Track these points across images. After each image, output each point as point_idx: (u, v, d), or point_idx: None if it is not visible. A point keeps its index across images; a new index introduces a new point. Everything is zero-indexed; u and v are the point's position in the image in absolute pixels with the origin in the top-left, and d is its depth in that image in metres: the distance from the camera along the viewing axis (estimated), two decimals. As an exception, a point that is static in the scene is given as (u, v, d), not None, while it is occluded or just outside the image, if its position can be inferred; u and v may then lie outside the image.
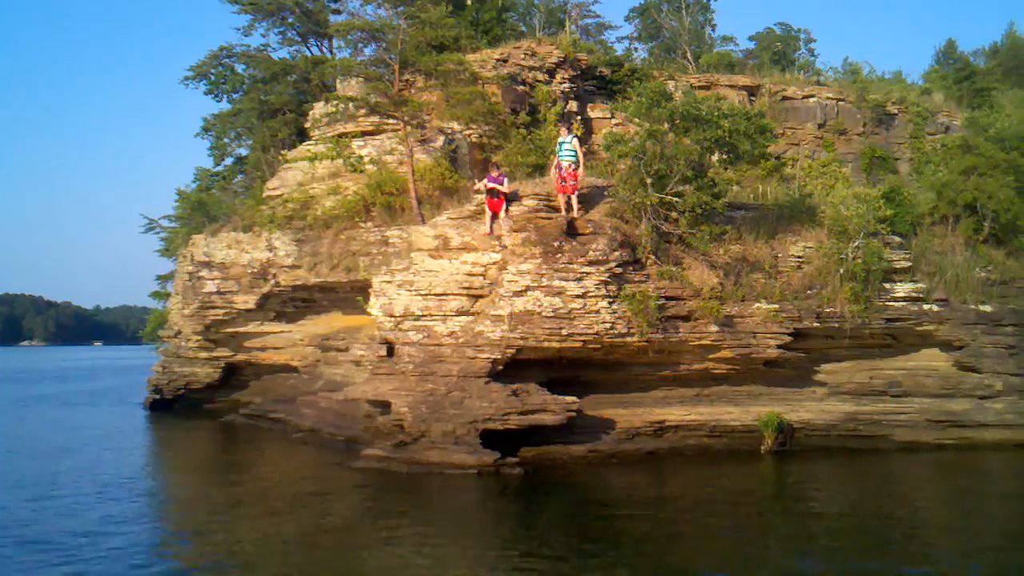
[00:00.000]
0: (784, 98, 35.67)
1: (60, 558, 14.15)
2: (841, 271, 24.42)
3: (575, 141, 23.94)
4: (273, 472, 23.31)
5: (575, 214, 23.68)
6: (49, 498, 19.12)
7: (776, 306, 23.95)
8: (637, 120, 24.56)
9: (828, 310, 24.31)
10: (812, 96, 36.02)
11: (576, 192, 23.82)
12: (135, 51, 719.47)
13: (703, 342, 23.58)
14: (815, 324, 24.23)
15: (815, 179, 30.36)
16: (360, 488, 20.44)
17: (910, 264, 25.87)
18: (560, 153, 23.81)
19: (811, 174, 30.74)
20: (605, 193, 24.86)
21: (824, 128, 35.49)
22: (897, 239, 26.29)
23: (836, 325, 24.41)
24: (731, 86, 35.31)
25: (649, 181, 23.49)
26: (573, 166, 23.61)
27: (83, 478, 21.88)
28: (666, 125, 23.87)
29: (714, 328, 23.41)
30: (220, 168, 44.43)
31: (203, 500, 19.87)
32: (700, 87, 34.01)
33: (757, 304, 23.98)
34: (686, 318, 23.46)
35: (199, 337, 35.99)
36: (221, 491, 20.69)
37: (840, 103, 35.97)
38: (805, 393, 25.65)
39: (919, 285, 25.52)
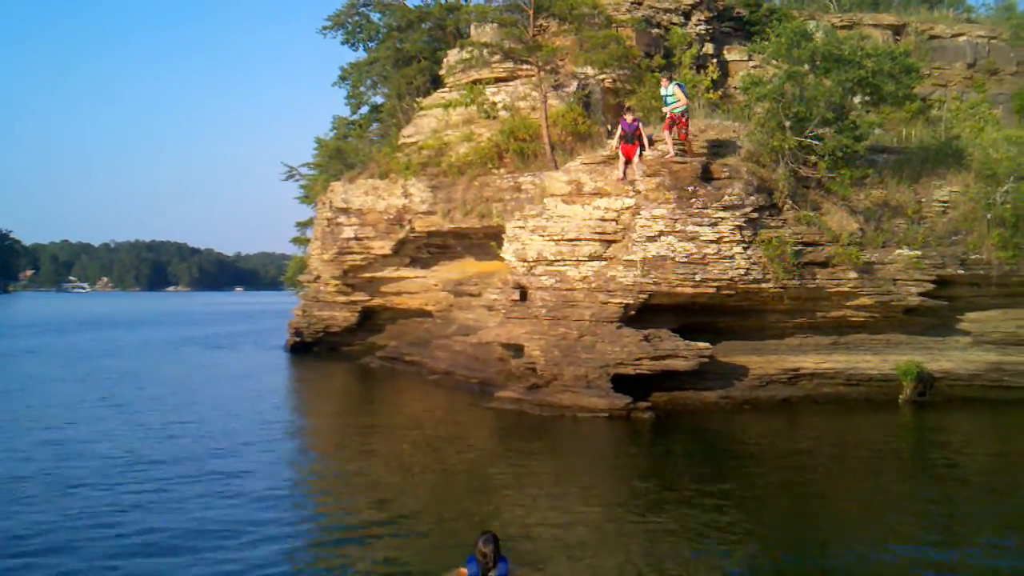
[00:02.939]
0: (931, 37, 34.18)
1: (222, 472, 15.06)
2: (989, 216, 23.49)
3: (677, 89, 23.51)
4: (409, 411, 24.10)
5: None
6: (207, 437, 20.15)
7: (919, 252, 23.24)
8: (775, 62, 24.03)
9: (974, 257, 23.46)
10: (962, 34, 34.40)
11: (687, 138, 23.51)
12: (275, 3, 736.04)
13: (841, 289, 23.11)
14: (959, 271, 23.43)
15: (963, 121, 29.09)
16: (493, 428, 20.94)
17: (1064, 209, 24.63)
18: (669, 104, 23.41)
19: (959, 116, 29.46)
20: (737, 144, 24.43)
21: (974, 68, 33.92)
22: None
23: (982, 272, 23.55)
24: (875, 25, 34.03)
25: (787, 124, 22.98)
26: (684, 114, 23.30)
27: (237, 411, 23.04)
28: (806, 66, 23.27)
29: (853, 275, 22.90)
30: (356, 116, 45.46)
31: (343, 435, 20.77)
32: (842, 27, 32.84)
33: (898, 250, 23.32)
34: (823, 264, 23.01)
35: (337, 282, 37.17)
36: (360, 427, 21.56)
37: (992, 41, 34.26)
38: (947, 342, 24.88)
39: (1074, 231, 24.30)
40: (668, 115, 23.39)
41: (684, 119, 23.32)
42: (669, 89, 23.53)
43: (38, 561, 10.79)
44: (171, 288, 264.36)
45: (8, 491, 14.13)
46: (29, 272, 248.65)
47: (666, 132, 23.38)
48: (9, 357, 38.72)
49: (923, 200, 24.40)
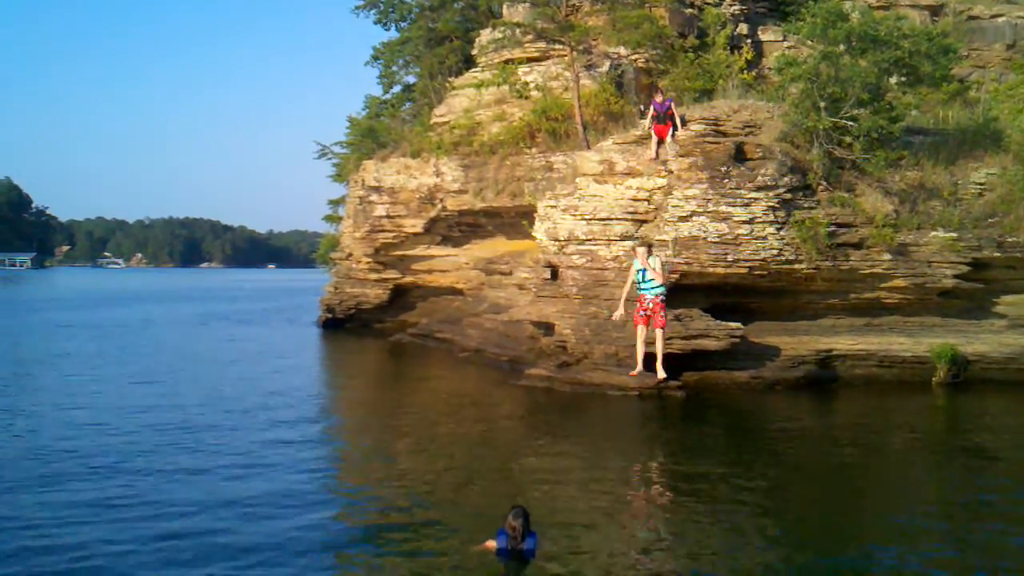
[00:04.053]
0: (970, 17, 33.73)
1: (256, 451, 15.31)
2: (1027, 199, 23.23)
3: (655, 264, 20.84)
4: (439, 388, 24.31)
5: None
6: (243, 411, 20.44)
7: (954, 234, 23.05)
8: (811, 42, 23.87)
9: (1011, 239, 23.22)
10: (1001, 15, 33.91)
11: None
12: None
13: (875, 271, 23.00)
14: (996, 254, 23.22)
15: (1001, 103, 28.73)
16: (523, 405, 21.07)
17: (1104, 192, 24.32)
18: (644, 287, 20.91)
19: (997, 98, 29.08)
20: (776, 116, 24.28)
21: (1013, 49, 33.39)
22: (1091, 166, 24.72)
23: (1019, 255, 23.31)
24: (912, 5, 33.56)
25: (822, 105, 22.85)
26: (661, 298, 20.95)
27: (270, 386, 23.33)
28: (841, 47, 23.07)
29: (887, 256, 22.78)
30: (389, 96, 45.68)
31: (374, 409, 21.02)
32: (878, 7, 32.43)
33: (934, 232, 23.14)
34: (857, 246, 22.90)
35: (369, 259, 37.41)
36: (391, 402, 21.81)
37: (1032, 22, 33.74)
38: (983, 325, 24.66)
39: (1113, 214, 24.00)
40: (640, 306, 20.89)
41: (662, 303, 20.77)
42: (647, 263, 20.73)
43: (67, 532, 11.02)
44: (204, 265, 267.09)
45: (32, 468, 14.34)
46: (65, 248, 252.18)
47: (638, 328, 20.99)
48: (48, 330, 39.33)
49: (959, 182, 24.18)
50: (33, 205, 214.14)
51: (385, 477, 14.18)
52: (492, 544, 9.83)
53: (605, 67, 29.67)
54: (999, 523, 11.78)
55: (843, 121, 22.83)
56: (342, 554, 10.35)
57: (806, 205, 22.76)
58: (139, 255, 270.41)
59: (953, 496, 13.50)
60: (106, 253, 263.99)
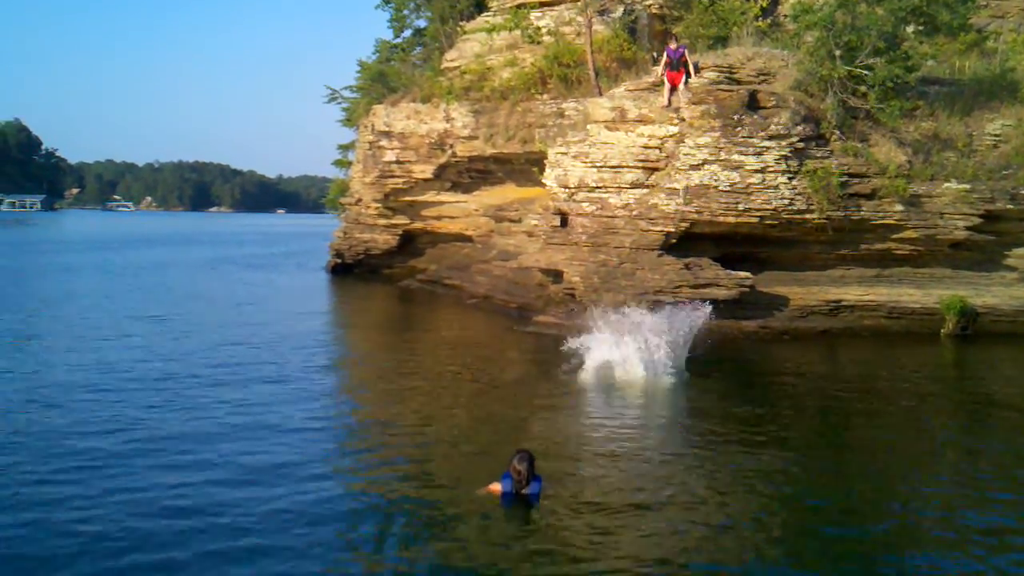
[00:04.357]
0: (990, -35, 33.10)
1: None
2: (1042, 151, 23.00)
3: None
4: (448, 334, 24.41)
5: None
6: (251, 357, 20.57)
7: (967, 186, 22.89)
8: (827, -12, 23.46)
9: (1024, 192, 23.05)
10: (1022, -37, 33.25)
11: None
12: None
13: (886, 221, 22.89)
14: (1009, 206, 23.04)
15: (1019, 53, 28.32)
16: (531, 351, 21.13)
17: (1120, 144, 24.06)
18: None
19: (1015, 48, 28.65)
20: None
21: (1033, -2, 32.82)
22: (1107, 117, 24.43)
23: (1032, 208, 23.15)
24: (931, -48, 32.96)
25: (837, 53, 22.56)
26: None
27: (281, 330, 23.44)
28: (859, -6, 22.72)
29: (899, 207, 22.65)
30: (400, 40, 45.21)
31: (383, 353, 21.17)
32: (897, -47, 31.92)
33: (947, 184, 22.97)
34: (869, 196, 22.76)
35: (379, 205, 37.33)
36: (400, 347, 21.95)
37: (1053, -29, 33.10)
38: (993, 277, 24.57)
39: None
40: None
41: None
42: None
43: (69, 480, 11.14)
44: (214, 209, 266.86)
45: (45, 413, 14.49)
46: (75, 190, 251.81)
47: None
48: (59, 272, 39.50)
49: (974, 133, 23.95)
50: (43, 147, 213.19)
51: (391, 417, 14.28)
52: (497, 488, 9.91)
53: (618, 13, 29.30)
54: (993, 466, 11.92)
55: (858, 70, 22.56)
56: (349, 486, 10.48)
57: (819, 155, 22.58)
58: (148, 198, 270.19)
59: (958, 459, 13.57)
60: (116, 196, 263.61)
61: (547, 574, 8.35)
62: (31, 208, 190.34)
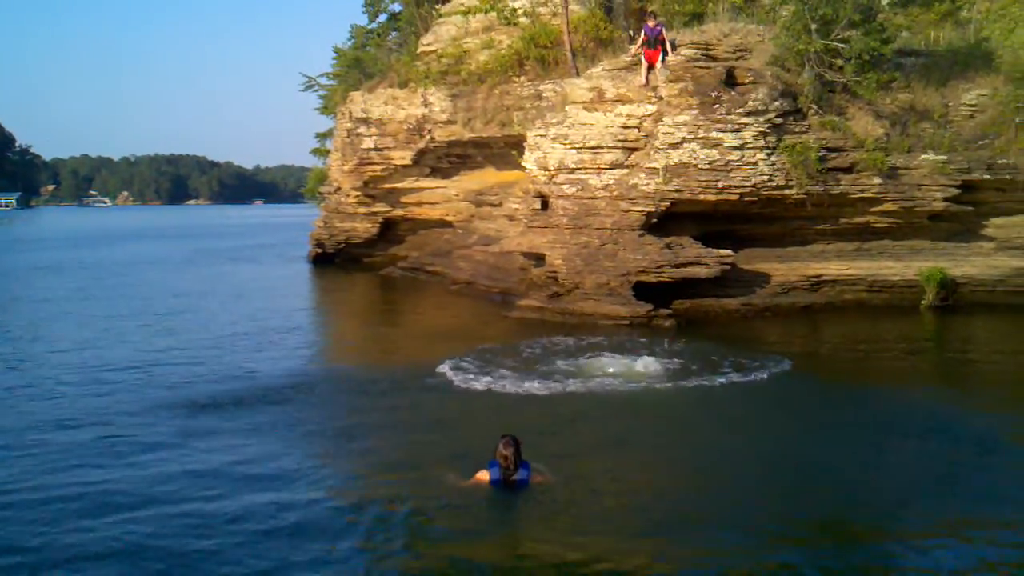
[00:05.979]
0: (962, -65, 33.14)
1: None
2: (1017, 120, 23.05)
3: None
4: (432, 320, 24.44)
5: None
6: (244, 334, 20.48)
7: (944, 157, 22.96)
8: (802, -38, 23.42)
9: (1001, 161, 23.10)
10: (994, -68, 33.32)
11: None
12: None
13: (865, 195, 22.96)
14: (986, 176, 23.12)
15: (993, 23, 28.41)
16: (515, 336, 21.05)
17: (1095, 112, 24.18)
18: None
19: (989, 17, 28.74)
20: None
21: (1006, -33, 32.91)
22: (1082, 86, 24.53)
23: (1008, 177, 23.18)
24: (904, -76, 33.00)
25: (813, 27, 22.55)
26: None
27: (265, 321, 23.35)
28: (833, -34, 22.70)
29: (877, 180, 22.72)
30: (375, 25, 44.88)
31: (367, 341, 21.20)
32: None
33: (924, 155, 23.04)
34: (848, 170, 22.81)
35: (358, 193, 37.17)
36: (383, 335, 22.11)
37: (1025, -61, 33.18)
38: (971, 248, 24.69)
39: (1104, 135, 23.90)
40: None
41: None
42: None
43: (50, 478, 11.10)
44: (191, 202, 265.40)
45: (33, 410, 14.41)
46: (51, 187, 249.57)
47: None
48: (35, 272, 39.20)
49: (950, 104, 24.01)
50: (16, 144, 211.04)
51: (375, 405, 14.25)
52: (484, 476, 9.69)
53: (594, -9, 29.22)
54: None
55: (834, 43, 22.57)
56: (334, 490, 10.44)
57: (797, 130, 22.62)
58: (125, 193, 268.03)
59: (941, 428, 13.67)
60: (92, 191, 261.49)
61: (542, 563, 8.27)
62: (7, 206, 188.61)
